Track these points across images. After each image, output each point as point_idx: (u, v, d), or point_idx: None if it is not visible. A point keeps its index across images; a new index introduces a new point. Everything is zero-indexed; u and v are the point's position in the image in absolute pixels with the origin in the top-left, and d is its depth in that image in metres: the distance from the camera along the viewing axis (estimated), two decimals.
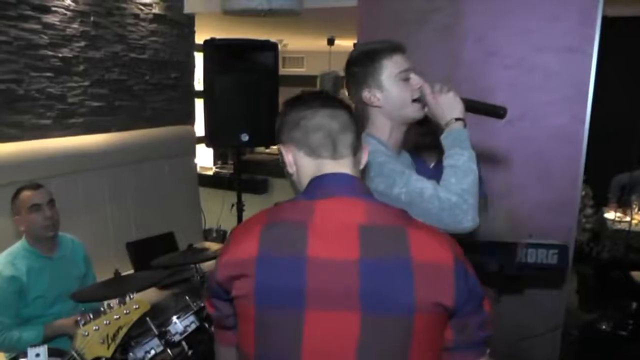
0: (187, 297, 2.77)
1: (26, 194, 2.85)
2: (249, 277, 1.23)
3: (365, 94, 1.87)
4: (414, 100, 1.86)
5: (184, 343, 2.69)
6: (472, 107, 1.84)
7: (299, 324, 1.20)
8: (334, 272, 1.21)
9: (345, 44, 7.74)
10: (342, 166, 1.34)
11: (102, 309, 1.36)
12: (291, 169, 1.38)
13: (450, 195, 1.65)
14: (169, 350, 2.64)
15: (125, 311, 1.38)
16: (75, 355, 1.29)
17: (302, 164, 1.37)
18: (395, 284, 1.20)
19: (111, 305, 1.38)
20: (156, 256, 3.35)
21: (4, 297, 2.72)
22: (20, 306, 2.81)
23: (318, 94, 1.42)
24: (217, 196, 5.66)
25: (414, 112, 1.87)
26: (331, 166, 1.34)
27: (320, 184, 1.32)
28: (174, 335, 2.66)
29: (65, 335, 2.77)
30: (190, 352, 2.70)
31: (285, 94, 5.13)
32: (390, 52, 1.86)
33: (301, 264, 1.22)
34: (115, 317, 1.36)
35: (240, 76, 4.29)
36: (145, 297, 2.87)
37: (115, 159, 4.33)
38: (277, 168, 4.21)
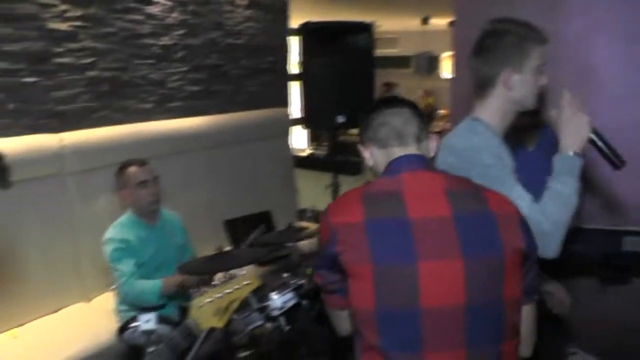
0: (285, 274, 2.83)
1: (133, 170, 3.06)
2: (361, 240, 1.43)
3: (505, 74, 1.86)
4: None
5: (281, 319, 2.77)
6: (595, 140, 1.80)
7: (414, 275, 1.39)
8: (435, 228, 1.43)
9: (440, 22, 7.55)
10: (409, 151, 1.58)
11: (214, 283, 1.44)
12: (369, 162, 1.66)
13: (544, 220, 1.67)
14: (268, 325, 2.74)
15: (236, 286, 1.46)
16: (191, 324, 1.39)
17: (376, 155, 1.63)
18: (485, 232, 1.44)
19: (223, 279, 1.46)
20: (251, 234, 3.46)
21: (123, 252, 2.98)
22: None
23: (384, 99, 1.70)
24: (311, 177, 5.75)
25: (534, 104, 1.88)
26: (400, 150, 1.58)
27: (398, 164, 1.56)
28: (273, 310, 2.74)
29: (173, 300, 2.97)
30: (287, 328, 2.78)
31: (379, 75, 5.12)
32: (540, 42, 1.86)
33: (406, 224, 1.43)
34: (227, 291, 1.45)
35: (335, 58, 4.34)
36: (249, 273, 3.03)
37: (212, 141, 4.49)
38: None
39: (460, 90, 3.96)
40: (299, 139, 5.62)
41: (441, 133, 6.16)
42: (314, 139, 6.68)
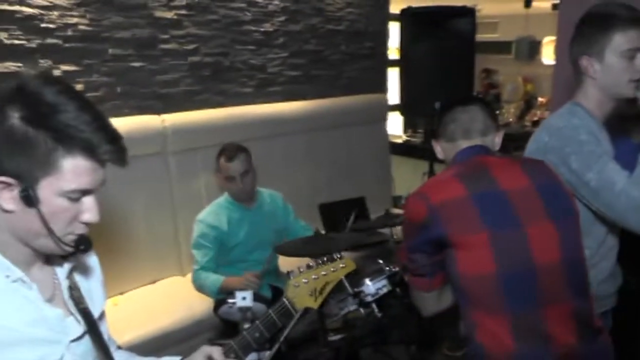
0: (380, 261, 2.82)
1: (223, 164, 3.12)
2: (472, 211, 1.58)
3: (583, 62, 1.79)
4: (633, 81, 1.76)
5: (374, 305, 2.76)
6: None
7: (524, 238, 1.57)
8: (524, 197, 1.61)
9: (544, 5, 7.19)
10: (474, 143, 1.77)
11: (310, 264, 1.45)
12: (440, 155, 1.89)
13: None
14: (361, 310, 2.74)
15: (332, 269, 1.46)
16: (287, 303, 1.40)
17: (445, 149, 1.84)
18: (560, 196, 1.65)
19: (319, 261, 1.46)
20: (348, 219, 3.47)
21: (205, 240, 3.11)
22: (223, 251, 3.15)
23: (457, 98, 1.91)
24: (406, 164, 5.68)
25: (628, 91, 1.81)
26: (464, 143, 1.77)
27: (463, 153, 1.76)
28: (366, 296, 2.73)
29: (269, 279, 3.07)
30: (380, 315, 2.76)
31: (480, 61, 4.96)
32: (627, 24, 1.77)
33: (502, 194, 1.61)
34: (323, 273, 1.45)
35: (436, 44, 4.26)
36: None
37: (310, 125, 4.52)
38: None
39: (563, 76, 3.80)
40: (395, 125, 5.55)
41: (538, 122, 5.92)
42: (409, 125, 6.57)
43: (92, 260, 1.41)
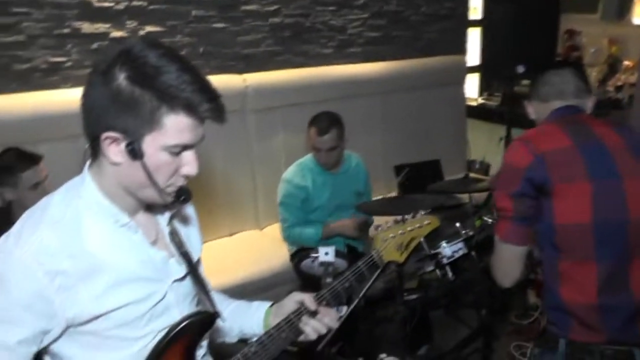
0: (457, 224, 2.83)
1: (312, 134, 3.12)
2: (578, 161, 1.68)
3: None
4: None
5: (448, 268, 2.79)
6: None
7: (621, 190, 1.65)
8: (622, 152, 1.71)
9: None
10: (568, 103, 1.87)
11: (397, 219, 1.50)
12: (532, 115, 2.01)
13: None
14: (437, 271, 2.78)
15: (418, 225, 1.50)
16: (375, 255, 1.46)
17: (538, 109, 1.95)
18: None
19: (406, 217, 1.51)
20: (421, 181, 3.48)
21: (292, 200, 3.20)
22: (304, 211, 3.24)
23: (551, 62, 2.13)
24: (481, 128, 5.56)
25: None
26: (559, 103, 1.87)
27: (559, 112, 1.87)
28: (442, 258, 2.76)
29: (339, 237, 3.12)
30: (453, 278, 2.79)
31: (567, 21, 4.74)
32: None
33: (604, 147, 1.71)
34: (409, 228, 1.49)
35: (519, 4, 4.10)
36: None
37: (389, 86, 4.52)
38: None
39: None
40: (470, 88, 5.43)
41: (622, 87, 5.64)
42: (485, 88, 6.38)
43: (190, 209, 1.52)
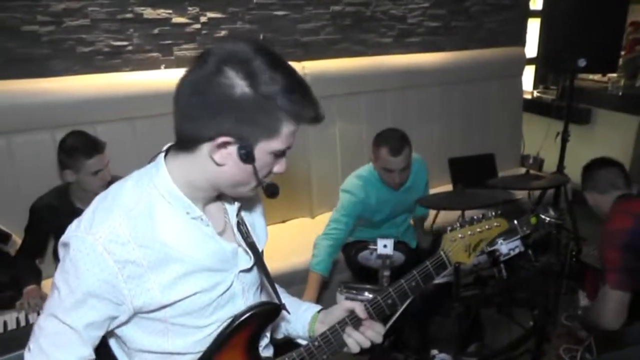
0: (514, 221, 2.78)
1: (385, 155, 2.90)
2: None
3: None
4: None
5: (502, 266, 2.74)
6: None
7: None
8: None
9: None
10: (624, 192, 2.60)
11: (466, 219, 1.47)
12: (590, 203, 2.70)
13: None
14: (494, 269, 2.74)
15: (487, 226, 1.48)
16: (443, 255, 1.44)
17: (596, 200, 2.67)
18: None
19: (474, 218, 1.48)
20: (475, 174, 3.43)
21: (353, 211, 3.06)
22: (364, 218, 3.16)
23: (599, 160, 2.77)
24: (535, 122, 5.43)
25: None
26: (617, 192, 2.55)
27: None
28: (499, 255, 2.71)
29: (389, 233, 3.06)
30: (506, 276, 2.74)
31: (632, 12, 4.54)
32: None
33: None
34: (478, 230, 1.46)
35: None
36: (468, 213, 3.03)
37: (447, 77, 4.47)
38: (602, 97, 4.03)
39: None
40: (525, 81, 5.30)
41: None
42: (540, 81, 6.22)
43: (257, 198, 1.53)
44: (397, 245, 2.43)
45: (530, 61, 5.46)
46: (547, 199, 4.17)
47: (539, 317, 3.01)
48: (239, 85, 1.10)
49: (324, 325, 1.47)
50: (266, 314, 1.40)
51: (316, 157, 3.87)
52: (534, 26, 5.51)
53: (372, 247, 2.39)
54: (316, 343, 1.42)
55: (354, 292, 2.47)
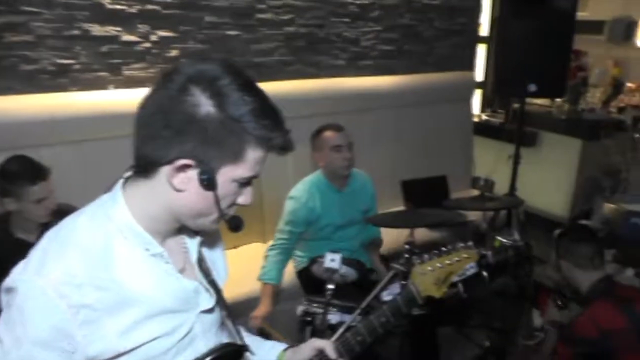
0: (470, 243, 2.77)
1: (330, 134, 3.09)
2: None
3: None
4: None
5: (460, 285, 2.72)
6: None
7: None
8: None
9: None
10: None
11: (435, 251, 1.44)
12: (565, 273, 2.65)
13: None
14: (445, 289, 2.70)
15: (457, 258, 1.44)
16: (413, 290, 1.39)
17: (571, 271, 2.59)
18: None
19: (444, 249, 1.45)
20: (427, 197, 3.44)
21: (296, 217, 3.09)
22: (310, 229, 3.16)
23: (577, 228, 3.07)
24: (484, 144, 5.53)
25: None
26: (597, 275, 2.51)
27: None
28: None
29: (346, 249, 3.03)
30: (465, 296, 2.73)
31: (578, 42, 4.71)
32: None
33: None
34: (447, 262, 1.43)
35: (534, 22, 4.04)
36: (421, 235, 3.02)
37: (399, 100, 4.47)
38: (548, 121, 4.15)
39: None
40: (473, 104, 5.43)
41: (625, 109, 5.65)
42: (487, 104, 6.38)
43: (217, 233, 1.44)
44: (349, 262, 2.37)
45: (478, 85, 5.58)
46: (499, 221, 4.24)
47: (495, 338, 3.01)
48: (205, 104, 1.03)
49: None
50: (228, 357, 1.31)
51: (268, 181, 3.77)
52: (480, 52, 5.64)
53: (320, 259, 2.34)
54: None
55: (315, 305, 2.43)
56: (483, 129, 5.89)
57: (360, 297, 2.35)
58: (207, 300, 1.27)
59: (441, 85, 4.79)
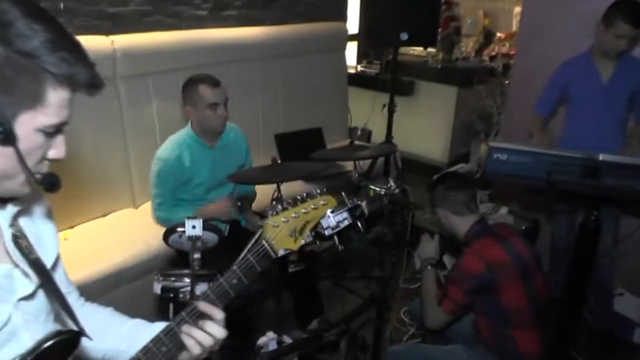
0: (342, 193, 2.72)
1: (206, 90, 2.86)
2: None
3: None
4: None
5: (336, 238, 2.67)
6: None
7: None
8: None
9: None
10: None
11: (289, 201, 1.32)
12: (442, 220, 2.68)
13: None
14: (317, 242, 2.64)
15: (313, 206, 1.34)
16: (265, 245, 1.27)
17: (451, 220, 2.62)
18: None
19: (299, 198, 1.34)
20: (303, 149, 3.36)
21: (166, 179, 2.92)
22: (181, 190, 2.99)
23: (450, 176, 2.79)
24: (360, 95, 5.56)
25: None
26: (473, 218, 2.58)
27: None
28: (325, 229, 2.63)
29: (216, 220, 2.89)
30: (340, 247, 2.69)
31: None
32: None
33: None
34: (303, 210, 1.32)
35: None
36: (295, 189, 2.94)
37: (267, 52, 4.33)
38: (423, 70, 4.18)
39: (532, 9, 3.71)
40: (348, 56, 5.40)
41: (496, 57, 5.88)
42: (363, 56, 6.42)
43: (41, 199, 1.23)
44: (208, 225, 2.24)
45: (353, 37, 5.54)
46: (377, 170, 4.27)
47: (376, 287, 3.01)
48: None
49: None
50: (62, 347, 1.07)
51: (133, 140, 3.54)
52: (354, 3, 5.60)
53: (180, 229, 2.19)
54: (147, 348, 1.17)
55: (172, 279, 2.26)
56: (359, 80, 5.94)
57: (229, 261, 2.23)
58: (25, 284, 1.08)
59: (312, 36, 4.69)
